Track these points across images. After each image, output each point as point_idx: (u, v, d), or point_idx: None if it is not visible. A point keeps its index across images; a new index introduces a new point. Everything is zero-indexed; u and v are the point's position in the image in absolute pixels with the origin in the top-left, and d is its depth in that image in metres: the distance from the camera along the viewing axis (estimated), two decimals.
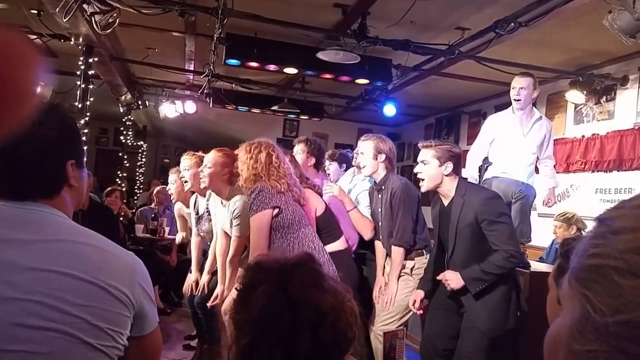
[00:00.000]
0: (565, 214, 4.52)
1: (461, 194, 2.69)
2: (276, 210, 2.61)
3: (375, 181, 3.22)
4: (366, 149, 3.15)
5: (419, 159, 2.76)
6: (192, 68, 6.50)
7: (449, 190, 2.73)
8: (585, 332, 0.44)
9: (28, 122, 0.50)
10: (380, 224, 3.18)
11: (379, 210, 3.17)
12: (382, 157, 3.12)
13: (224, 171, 3.10)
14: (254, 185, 2.66)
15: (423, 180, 2.73)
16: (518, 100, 3.51)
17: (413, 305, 2.90)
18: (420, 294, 2.89)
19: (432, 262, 2.96)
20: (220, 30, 4.30)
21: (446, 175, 2.71)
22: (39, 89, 0.50)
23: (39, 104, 0.51)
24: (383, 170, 3.15)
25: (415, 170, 2.80)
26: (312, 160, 3.61)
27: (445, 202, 2.78)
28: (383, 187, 3.13)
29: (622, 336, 0.41)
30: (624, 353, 0.41)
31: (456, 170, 2.73)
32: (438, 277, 2.75)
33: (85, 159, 1.15)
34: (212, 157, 3.16)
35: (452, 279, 2.65)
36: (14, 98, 0.48)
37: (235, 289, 1.14)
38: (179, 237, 4.60)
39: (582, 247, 0.48)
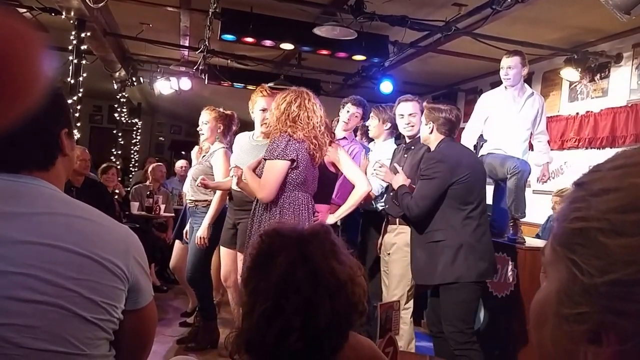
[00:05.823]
0: (564, 190, 4.55)
1: None
2: None
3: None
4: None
5: None
6: (187, 44, 6.41)
7: None
8: (574, 295, 0.44)
9: (34, 104, 0.49)
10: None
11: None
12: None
13: None
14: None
15: None
16: (507, 79, 3.54)
17: None
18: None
19: None
20: (215, 5, 4.24)
21: None
22: (45, 71, 0.49)
23: (46, 85, 0.50)
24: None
25: None
26: None
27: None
28: (413, 147, 3.17)
29: (611, 295, 0.42)
30: (614, 312, 0.41)
31: None
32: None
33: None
34: None
35: None
36: (24, 82, 0.47)
37: (250, 255, 1.12)
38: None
39: (563, 213, 0.48)
